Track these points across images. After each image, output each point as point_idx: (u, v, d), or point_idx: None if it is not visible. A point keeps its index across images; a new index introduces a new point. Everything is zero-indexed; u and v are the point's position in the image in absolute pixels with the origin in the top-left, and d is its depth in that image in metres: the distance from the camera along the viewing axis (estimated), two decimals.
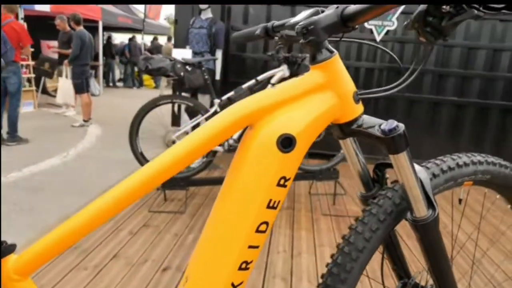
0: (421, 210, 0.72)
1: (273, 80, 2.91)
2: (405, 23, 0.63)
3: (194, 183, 2.99)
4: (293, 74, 2.86)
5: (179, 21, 4.34)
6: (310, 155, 4.00)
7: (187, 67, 2.80)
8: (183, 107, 3.51)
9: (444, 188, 0.80)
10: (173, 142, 2.82)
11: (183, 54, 2.91)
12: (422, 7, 0.53)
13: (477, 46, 4.17)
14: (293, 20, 0.78)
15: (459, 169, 0.80)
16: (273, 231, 2.58)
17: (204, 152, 0.64)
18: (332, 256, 0.76)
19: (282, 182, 0.65)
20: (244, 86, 2.91)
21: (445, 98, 4.29)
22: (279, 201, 0.65)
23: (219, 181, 3.03)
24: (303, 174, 3.12)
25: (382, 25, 4.16)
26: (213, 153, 2.95)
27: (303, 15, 0.74)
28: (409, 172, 0.70)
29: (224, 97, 2.90)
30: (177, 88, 3.22)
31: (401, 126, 0.67)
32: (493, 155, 0.86)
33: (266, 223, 0.65)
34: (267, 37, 0.92)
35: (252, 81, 2.92)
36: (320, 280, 0.77)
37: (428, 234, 0.74)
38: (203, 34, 3.60)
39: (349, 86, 0.71)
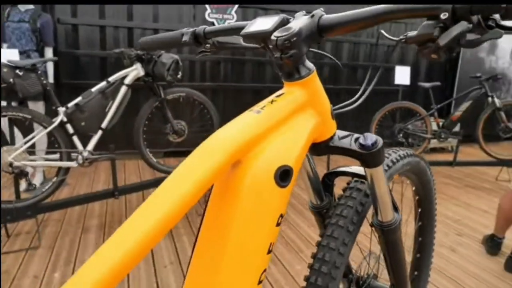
0: (388, 215, 0.74)
1: (126, 81, 2.63)
2: (402, 37, 0.59)
3: (45, 209, 2.51)
4: (149, 73, 2.65)
5: None
6: (166, 154, 3.81)
7: (18, 71, 2.28)
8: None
9: None
10: (10, 165, 2.29)
11: (8, 55, 2.35)
12: (462, 27, 0.50)
13: None
14: (250, 29, 0.64)
15: (394, 166, 0.85)
16: None
17: (186, 211, 0.46)
18: (307, 278, 0.71)
19: (279, 220, 0.55)
20: (94, 89, 2.55)
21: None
22: (275, 243, 0.56)
23: (74, 202, 2.62)
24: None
25: (223, 18, 4.23)
26: (66, 170, 2.52)
27: (266, 24, 0.61)
28: (382, 183, 0.70)
29: (71, 104, 2.49)
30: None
31: (380, 140, 0.65)
32: None
33: (265, 270, 0.55)
34: (195, 44, 0.78)
35: (103, 83, 2.59)
36: None
37: (392, 236, 0.77)
38: (26, 29, 2.99)
39: (327, 102, 0.65)
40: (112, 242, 0.42)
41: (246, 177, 0.53)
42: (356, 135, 0.67)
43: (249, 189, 0.53)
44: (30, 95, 2.38)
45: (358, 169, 0.80)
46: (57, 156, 2.50)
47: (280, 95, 0.60)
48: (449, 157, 4.39)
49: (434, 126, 4.23)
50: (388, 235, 0.77)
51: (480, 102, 4.07)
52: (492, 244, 2.40)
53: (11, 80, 2.24)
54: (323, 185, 0.82)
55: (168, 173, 2.95)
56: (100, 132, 2.61)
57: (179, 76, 2.64)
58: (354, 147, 0.66)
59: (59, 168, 2.50)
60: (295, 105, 0.60)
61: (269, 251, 0.55)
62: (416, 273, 1.22)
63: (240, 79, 4.55)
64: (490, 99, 3.98)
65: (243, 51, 0.76)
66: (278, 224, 0.55)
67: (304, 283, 0.73)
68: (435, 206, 1.16)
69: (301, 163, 0.59)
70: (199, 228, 0.56)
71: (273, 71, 4.65)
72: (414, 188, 1.09)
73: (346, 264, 0.93)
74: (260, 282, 0.54)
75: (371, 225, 0.77)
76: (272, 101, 0.59)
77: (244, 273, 0.53)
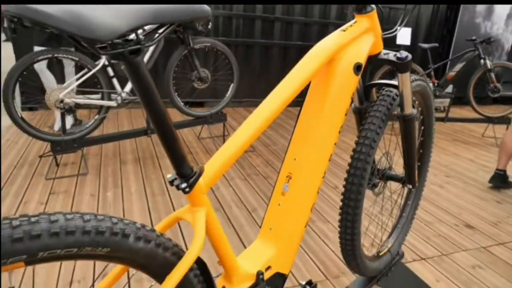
0: (409, 109, 1.10)
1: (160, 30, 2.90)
2: None
3: (90, 142, 2.85)
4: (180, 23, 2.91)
5: None
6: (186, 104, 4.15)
7: None
8: (66, 62, 3.20)
9: None
10: (62, 101, 2.60)
11: None
12: None
13: None
14: None
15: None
16: None
17: (306, 84, 0.82)
18: (354, 150, 1.08)
19: (351, 100, 0.92)
20: None
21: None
22: (348, 110, 0.93)
23: (115, 137, 2.97)
24: (194, 121, 3.31)
25: None
26: (106, 108, 2.84)
27: None
28: (407, 84, 1.06)
29: None
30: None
31: (409, 56, 1.01)
32: None
33: (342, 126, 0.92)
34: None
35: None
36: (346, 172, 1.08)
37: (410, 125, 1.13)
38: None
39: (380, 29, 1.00)
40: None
41: (337, 68, 0.89)
42: (394, 52, 1.03)
43: (339, 75, 0.89)
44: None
45: (388, 81, 1.15)
46: (99, 96, 2.80)
47: (355, 22, 0.95)
48: (441, 115, 4.78)
49: (430, 85, 4.59)
50: (407, 124, 1.13)
51: (472, 65, 4.41)
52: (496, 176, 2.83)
53: None
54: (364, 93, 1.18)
55: (194, 116, 3.28)
56: None
57: (209, 26, 2.91)
58: (393, 59, 1.01)
59: (101, 107, 2.82)
60: (364, 28, 0.95)
61: (345, 114, 0.91)
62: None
63: (250, 35, 4.80)
64: (482, 61, 4.31)
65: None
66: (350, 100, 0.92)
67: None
68: (434, 126, 1.53)
69: (365, 63, 0.94)
70: (303, 103, 0.92)
71: (281, 29, 4.91)
72: (420, 109, 1.44)
73: None
74: (339, 132, 0.91)
75: (397, 116, 1.14)
76: (351, 25, 0.94)
77: (333, 127, 0.90)
